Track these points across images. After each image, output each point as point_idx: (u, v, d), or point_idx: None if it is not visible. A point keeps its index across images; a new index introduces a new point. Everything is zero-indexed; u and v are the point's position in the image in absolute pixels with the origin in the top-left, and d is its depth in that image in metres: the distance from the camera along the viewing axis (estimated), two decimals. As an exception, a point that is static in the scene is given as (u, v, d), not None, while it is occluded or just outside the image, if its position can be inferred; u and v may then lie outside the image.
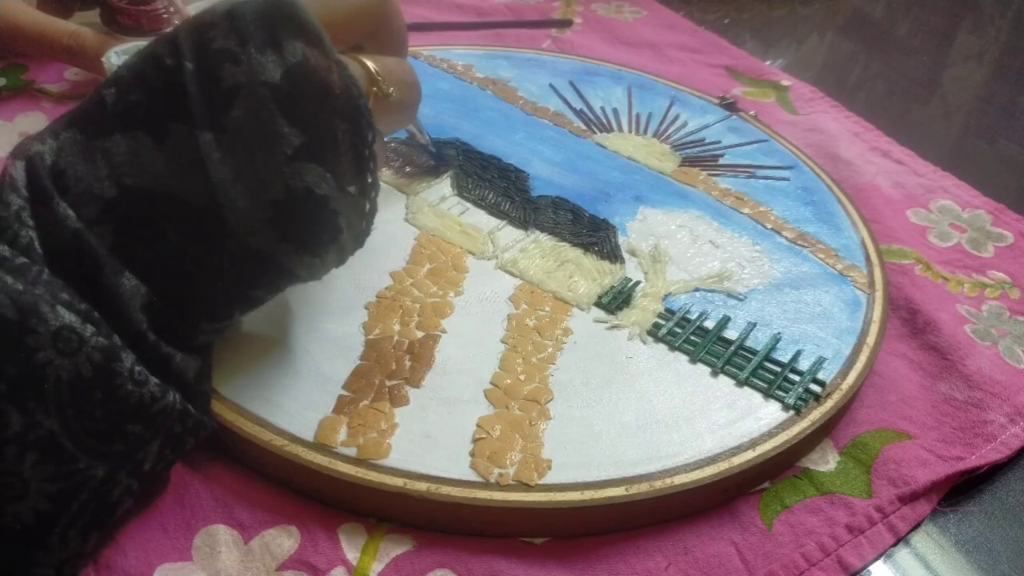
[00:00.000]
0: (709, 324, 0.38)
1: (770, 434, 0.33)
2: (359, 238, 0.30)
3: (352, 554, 0.28)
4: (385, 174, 0.44)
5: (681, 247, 0.42)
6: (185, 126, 0.25)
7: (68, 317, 0.23)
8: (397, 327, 0.35)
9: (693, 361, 0.36)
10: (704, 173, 0.49)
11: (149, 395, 0.25)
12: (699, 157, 0.50)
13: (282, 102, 0.26)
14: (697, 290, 0.40)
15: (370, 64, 0.30)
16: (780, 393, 0.34)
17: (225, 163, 0.25)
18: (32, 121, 0.48)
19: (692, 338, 0.37)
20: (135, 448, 0.25)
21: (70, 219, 0.25)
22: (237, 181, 0.25)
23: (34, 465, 0.23)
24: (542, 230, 0.42)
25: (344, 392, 0.32)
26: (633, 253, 0.41)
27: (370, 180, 0.28)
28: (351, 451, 0.30)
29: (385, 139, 0.46)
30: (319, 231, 0.28)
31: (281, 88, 0.26)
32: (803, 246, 0.43)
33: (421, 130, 0.43)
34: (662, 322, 0.37)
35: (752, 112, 0.56)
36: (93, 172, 0.25)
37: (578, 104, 0.54)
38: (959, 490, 0.34)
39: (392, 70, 0.31)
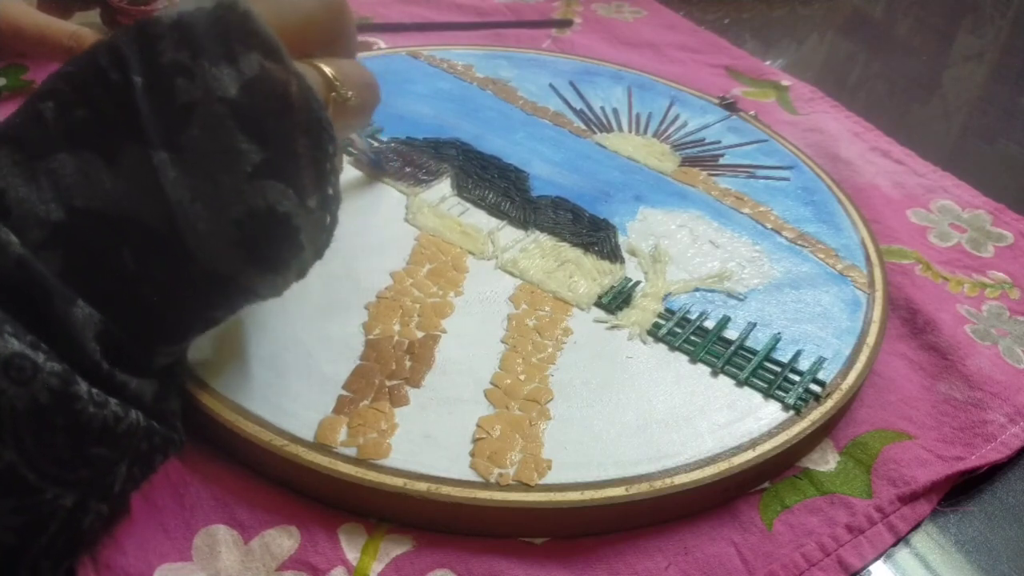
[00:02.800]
0: (709, 324, 0.38)
1: (770, 434, 0.33)
2: (319, 252, 0.28)
3: (352, 554, 0.28)
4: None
5: (681, 247, 0.42)
6: (138, 145, 0.24)
7: (17, 345, 0.21)
8: (397, 327, 0.35)
9: (693, 361, 0.36)
10: (704, 173, 0.49)
11: (112, 415, 0.23)
12: (699, 157, 0.50)
13: (240, 118, 0.24)
14: (697, 290, 0.40)
15: (327, 69, 0.29)
16: (780, 393, 0.34)
17: (182, 183, 0.24)
18: (32, 121, 0.48)
19: (692, 338, 0.37)
20: (103, 472, 0.24)
21: (12, 245, 0.22)
22: (196, 201, 0.24)
23: None
24: (542, 230, 0.42)
25: (344, 392, 0.32)
26: (633, 253, 0.41)
27: (331, 192, 0.27)
28: (351, 451, 0.30)
29: (387, 144, 0.46)
30: (281, 249, 0.26)
31: (239, 103, 0.24)
32: (803, 246, 0.44)
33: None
34: (662, 322, 0.37)
35: (752, 112, 0.56)
36: (37, 194, 0.23)
37: (578, 104, 0.54)
38: (959, 490, 0.34)
39: (349, 73, 0.30)
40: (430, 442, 0.30)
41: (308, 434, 0.30)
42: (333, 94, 0.29)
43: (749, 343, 0.37)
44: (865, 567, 0.31)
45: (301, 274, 0.28)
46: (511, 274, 0.39)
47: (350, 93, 0.30)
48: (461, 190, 0.44)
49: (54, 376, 0.22)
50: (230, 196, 0.25)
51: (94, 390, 0.23)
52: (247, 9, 0.25)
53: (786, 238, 0.44)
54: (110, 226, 0.24)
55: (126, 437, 0.24)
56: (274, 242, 0.26)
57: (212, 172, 0.24)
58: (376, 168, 0.44)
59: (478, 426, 0.31)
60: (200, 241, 0.24)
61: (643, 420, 0.33)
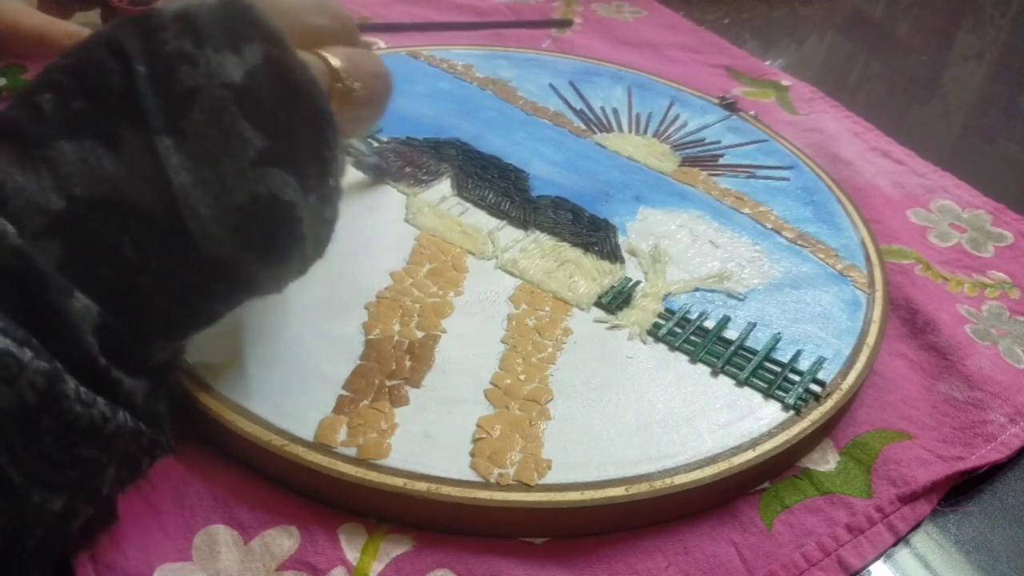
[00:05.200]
0: (709, 324, 0.38)
1: (770, 434, 0.33)
2: (319, 247, 0.28)
3: (352, 554, 0.28)
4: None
5: (681, 247, 0.42)
6: (140, 131, 0.24)
7: (2, 342, 0.21)
8: (397, 327, 0.35)
9: (693, 361, 0.36)
10: (704, 173, 0.49)
11: (100, 415, 0.23)
12: (699, 157, 0.50)
13: (244, 104, 0.25)
14: (697, 290, 0.40)
15: (332, 60, 0.29)
16: (780, 393, 0.34)
17: (185, 168, 0.24)
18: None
19: (692, 338, 0.37)
20: (92, 474, 0.24)
21: (10, 235, 0.22)
22: (198, 187, 0.24)
23: None
24: (542, 230, 0.42)
25: (344, 392, 0.32)
26: (633, 253, 0.41)
27: (332, 184, 0.27)
28: (351, 451, 0.30)
29: (392, 144, 0.46)
30: (283, 239, 0.26)
31: (243, 89, 0.25)
32: (803, 246, 0.44)
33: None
34: (662, 322, 0.37)
35: (752, 112, 0.56)
36: (36, 183, 0.23)
37: (578, 104, 0.54)
38: (959, 490, 0.34)
39: (358, 63, 0.30)
40: (430, 442, 0.30)
41: (308, 434, 0.30)
42: (338, 84, 0.29)
43: (749, 343, 0.37)
44: (865, 567, 0.31)
45: (302, 270, 0.28)
46: (511, 274, 0.39)
47: (356, 84, 0.30)
48: (461, 190, 0.44)
49: (40, 375, 0.21)
50: (233, 181, 0.25)
51: (82, 389, 0.23)
52: (250, 2, 0.25)
53: (786, 238, 0.44)
54: (111, 213, 0.24)
55: (114, 438, 0.24)
56: (276, 231, 0.26)
57: (215, 157, 0.24)
58: (378, 172, 0.44)
59: (478, 426, 0.31)
60: (201, 226, 0.24)
61: (643, 420, 0.33)
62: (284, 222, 0.26)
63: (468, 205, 0.43)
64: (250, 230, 0.25)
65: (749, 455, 0.32)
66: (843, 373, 0.36)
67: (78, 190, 0.23)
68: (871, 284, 0.41)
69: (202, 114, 0.24)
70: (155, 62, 0.24)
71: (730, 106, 0.56)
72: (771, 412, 0.34)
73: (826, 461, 0.34)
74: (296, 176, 0.26)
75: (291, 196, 0.26)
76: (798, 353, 0.36)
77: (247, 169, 0.25)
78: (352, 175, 0.43)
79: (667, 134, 0.52)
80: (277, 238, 0.26)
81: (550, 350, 0.35)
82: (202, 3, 0.25)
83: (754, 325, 0.38)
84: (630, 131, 0.52)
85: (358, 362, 0.33)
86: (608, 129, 0.52)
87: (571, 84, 0.56)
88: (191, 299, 0.26)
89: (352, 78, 0.29)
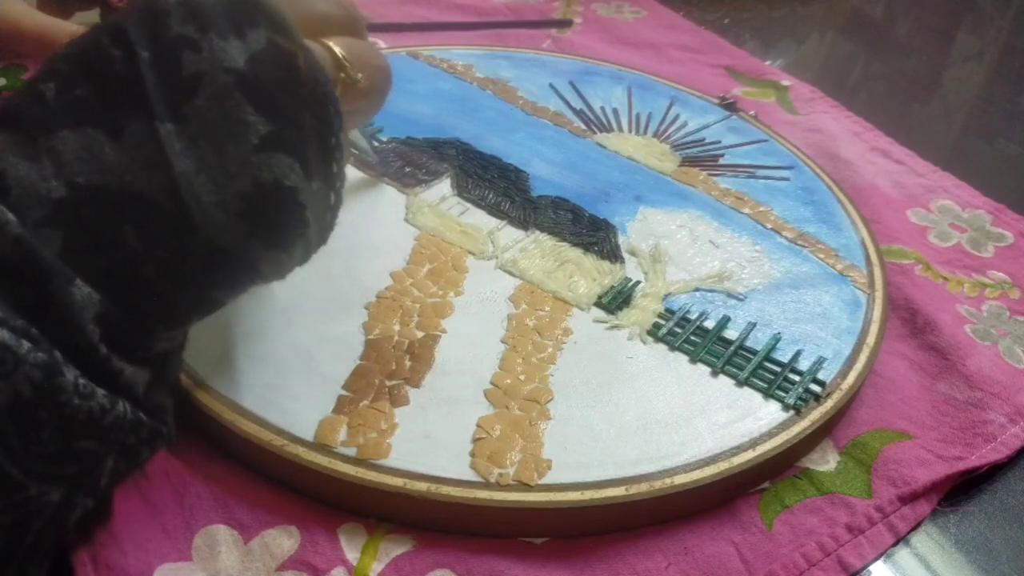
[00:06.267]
0: (709, 324, 0.38)
1: (770, 434, 0.33)
2: (323, 233, 0.28)
3: (352, 554, 0.28)
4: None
5: (681, 247, 0.42)
6: (143, 118, 0.24)
7: (0, 334, 0.21)
8: (397, 327, 0.35)
9: (693, 361, 0.36)
10: (704, 173, 0.49)
11: (98, 407, 0.23)
12: (699, 157, 0.50)
13: (247, 89, 0.24)
14: (697, 290, 0.40)
15: (336, 49, 0.29)
16: (780, 393, 0.34)
17: (188, 154, 0.24)
18: (32, 121, 0.48)
19: (692, 338, 0.37)
20: (90, 467, 0.24)
21: (10, 224, 0.22)
22: (201, 173, 0.24)
23: None
24: (542, 230, 0.42)
25: (344, 392, 0.32)
26: (633, 253, 0.41)
27: (335, 170, 0.27)
28: (351, 451, 0.30)
29: (388, 143, 0.46)
30: (287, 225, 0.26)
31: (246, 74, 0.24)
32: (803, 246, 0.44)
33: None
34: (662, 322, 0.37)
35: (752, 112, 0.56)
36: (38, 171, 0.23)
37: (578, 104, 0.54)
38: (959, 490, 0.34)
39: (360, 54, 0.30)
40: (430, 442, 0.30)
41: (308, 434, 0.30)
42: (342, 75, 0.29)
43: (749, 343, 0.37)
44: (865, 567, 0.31)
45: (305, 257, 0.28)
46: (511, 274, 0.39)
47: (360, 75, 0.29)
48: (461, 190, 0.44)
49: (37, 368, 0.21)
50: (236, 167, 0.24)
51: (81, 381, 0.22)
52: None
53: (786, 238, 0.44)
54: (112, 201, 0.24)
55: (113, 429, 0.24)
56: (279, 216, 0.26)
57: (218, 143, 0.24)
58: (379, 168, 0.44)
59: (478, 426, 0.31)
60: (205, 213, 0.24)
61: (643, 420, 0.33)
62: (287, 208, 0.26)
63: (468, 205, 0.43)
64: (253, 216, 0.25)
65: (749, 455, 0.32)
66: (843, 373, 0.36)
67: (80, 178, 0.23)
68: (871, 284, 0.41)
69: (205, 100, 0.24)
70: (158, 48, 0.24)
71: (730, 106, 0.56)
72: (771, 412, 0.34)
73: (826, 461, 0.34)
74: (300, 162, 0.25)
75: (294, 182, 0.25)
76: (798, 353, 0.36)
77: (250, 154, 0.24)
78: (352, 174, 0.43)
79: (667, 134, 0.52)
80: (280, 224, 0.26)
81: (550, 350, 0.35)
82: None
83: (754, 325, 0.38)
84: (630, 131, 0.52)
85: (358, 362, 0.33)
86: (608, 129, 0.52)
87: (571, 84, 0.56)
88: (193, 286, 0.26)
89: (355, 69, 0.29)
